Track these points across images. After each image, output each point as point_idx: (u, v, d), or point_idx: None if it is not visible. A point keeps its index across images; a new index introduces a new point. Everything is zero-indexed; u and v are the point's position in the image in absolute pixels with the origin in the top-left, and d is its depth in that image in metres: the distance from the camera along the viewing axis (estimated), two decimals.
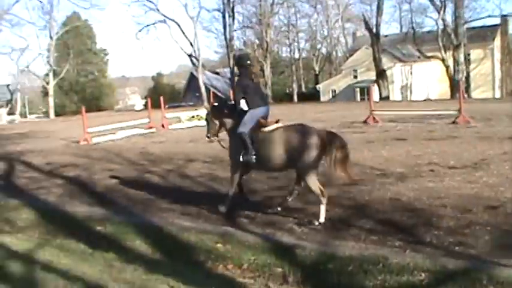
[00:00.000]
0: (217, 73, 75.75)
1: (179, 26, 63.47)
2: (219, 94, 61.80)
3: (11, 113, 76.20)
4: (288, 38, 75.55)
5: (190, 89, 75.56)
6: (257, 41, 70.29)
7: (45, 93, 71.76)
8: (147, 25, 63.22)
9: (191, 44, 62.07)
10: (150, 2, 61.92)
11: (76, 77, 79.09)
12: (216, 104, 10.30)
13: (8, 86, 76.47)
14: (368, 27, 50.48)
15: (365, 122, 21.58)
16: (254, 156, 8.71)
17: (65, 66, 69.99)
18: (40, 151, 20.00)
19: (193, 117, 27.56)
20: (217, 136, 9.59)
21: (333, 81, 67.41)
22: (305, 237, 7.85)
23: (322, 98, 64.25)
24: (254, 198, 9.88)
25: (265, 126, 8.79)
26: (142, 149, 18.44)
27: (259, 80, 9.58)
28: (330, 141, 8.37)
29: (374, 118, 21.52)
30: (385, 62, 53.09)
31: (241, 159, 8.86)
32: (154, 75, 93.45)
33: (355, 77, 63.22)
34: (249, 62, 9.30)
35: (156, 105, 30.45)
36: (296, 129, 8.61)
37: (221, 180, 11.46)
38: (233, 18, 60.52)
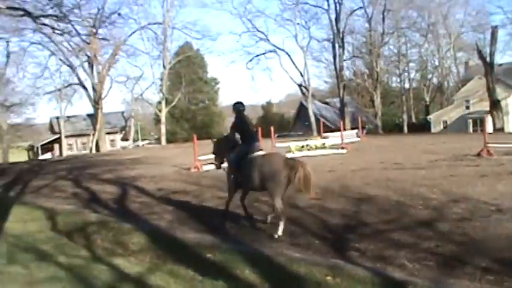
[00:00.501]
0: (326, 103, 75.60)
1: (289, 56, 64.27)
2: (328, 124, 61.66)
3: (124, 139, 79.23)
4: (398, 68, 74.56)
5: (299, 118, 75.86)
6: (367, 71, 69.84)
7: (157, 120, 74.04)
8: (258, 55, 64.43)
9: (301, 73, 62.64)
10: (261, 32, 63.23)
11: (187, 105, 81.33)
12: (216, 139, 12.87)
13: (122, 113, 79.62)
14: (481, 56, 48.93)
15: (478, 154, 20.79)
16: (235, 180, 11.27)
17: (177, 95, 72.11)
18: (152, 177, 20.53)
19: (302, 147, 27.48)
20: (222, 164, 12.32)
21: (444, 112, 65.80)
22: (417, 273, 7.64)
23: (433, 129, 62.83)
24: (364, 232, 9.71)
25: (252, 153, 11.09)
26: None
27: (251, 121, 12.21)
28: (296, 168, 10.12)
29: (488, 151, 20.71)
30: (500, 92, 51.23)
31: (231, 179, 11.50)
32: (264, 104, 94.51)
33: (468, 107, 61.45)
34: (242, 108, 11.73)
35: (265, 134, 30.68)
36: (269, 157, 10.92)
37: (331, 211, 11.38)
38: (343, 49, 60.58)
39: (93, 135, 64.18)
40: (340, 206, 11.45)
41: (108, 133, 69.50)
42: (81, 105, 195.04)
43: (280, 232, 10.10)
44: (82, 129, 74.80)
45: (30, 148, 79.33)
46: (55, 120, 75.74)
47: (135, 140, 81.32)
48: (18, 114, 70.01)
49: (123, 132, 79.55)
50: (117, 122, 76.88)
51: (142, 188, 17.54)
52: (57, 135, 74.38)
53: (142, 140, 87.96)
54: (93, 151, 61.36)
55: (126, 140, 78.57)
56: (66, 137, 73.36)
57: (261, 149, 11.28)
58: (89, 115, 72.91)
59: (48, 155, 71.97)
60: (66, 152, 70.42)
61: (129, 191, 17.26)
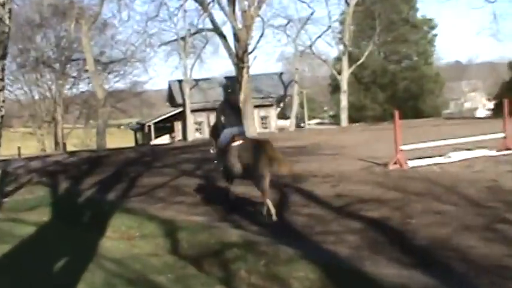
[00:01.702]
0: None
1: None
2: None
3: (283, 115, 79.80)
4: None
5: None
6: None
7: (334, 88, 74.22)
8: None
9: None
10: None
11: (382, 64, 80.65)
12: (212, 124, 18.37)
13: (280, 75, 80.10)
14: None
15: None
16: (222, 168, 16.59)
17: (367, 47, 71.55)
18: (327, 176, 20.67)
19: None
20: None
21: None
22: None
23: None
24: None
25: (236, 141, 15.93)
26: (492, 181, 18.10)
27: (238, 105, 18.46)
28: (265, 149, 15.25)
29: None
30: None
31: (216, 163, 17.34)
32: None
33: None
34: (229, 90, 18.32)
35: None
36: (245, 144, 15.76)
37: None
38: None
39: None
40: None
41: (258, 106, 69.93)
42: (216, 64, 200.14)
43: (272, 212, 14.91)
44: (217, 100, 75.39)
45: (138, 128, 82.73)
46: (176, 85, 78.28)
47: (299, 118, 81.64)
48: (121, 77, 72.37)
49: (281, 105, 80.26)
50: (271, 90, 77.45)
51: (310, 193, 17.62)
52: (180, 109, 76.63)
53: (310, 118, 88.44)
54: None
55: (286, 117, 79.23)
56: (193, 111, 75.37)
57: (242, 134, 16.26)
58: (228, 78, 74.22)
59: (165, 139, 74.22)
60: (192, 135, 72.17)
61: (291, 196, 17.49)
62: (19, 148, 49.16)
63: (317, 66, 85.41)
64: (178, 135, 76.54)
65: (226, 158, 15.80)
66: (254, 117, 66.13)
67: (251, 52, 62.24)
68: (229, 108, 16.52)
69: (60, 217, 17.33)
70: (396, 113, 22.66)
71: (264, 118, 75.78)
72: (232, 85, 18.61)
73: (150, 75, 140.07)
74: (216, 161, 17.01)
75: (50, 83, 68.61)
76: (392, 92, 79.17)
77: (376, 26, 72.78)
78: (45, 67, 67.10)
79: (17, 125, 74.02)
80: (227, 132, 15.99)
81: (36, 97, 70.77)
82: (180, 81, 76.20)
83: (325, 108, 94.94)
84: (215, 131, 16.94)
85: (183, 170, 25.14)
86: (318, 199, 16.84)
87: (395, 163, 21.86)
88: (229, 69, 68.35)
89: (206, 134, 73.74)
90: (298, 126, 77.30)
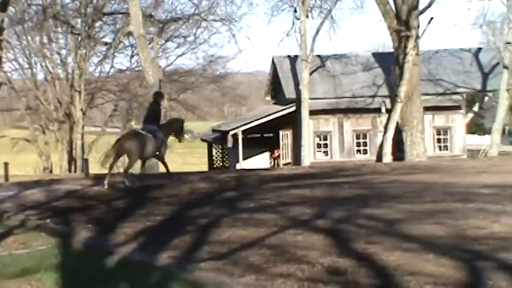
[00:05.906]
0: None
1: None
2: None
3: (477, 129, 69.61)
4: None
5: None
6: None
7: None
8: None
9: None
10: None
11: None
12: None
13: (476, 53, 56.61)
14: None
15: None
16: None
17: None
18: None
19: None
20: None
21: None
22: None
23: None
24: None
25: None
26: None
27: (155, 108, 26.02)
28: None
29: None
30: None
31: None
32: None
33: None
34: (156, 96, 26.84)
35: None
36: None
37: None
38: None
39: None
40: None
41: (433, 109, 50.63)
42: (358, 29, 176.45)
43: (127, 183, 24.11)
44: (356, 96, 53.03)
45: (216, 139, 60.70)
46: (285, 65, 54.99)
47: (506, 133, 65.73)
48: (188, 47, 57.63)
49: (475, 109, 56.94)
50: (457, 80, 53.40)
51: None
52: (290, 108, 53.14)
53: None
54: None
55: (483, 131, 65.15)
56: (315, 112, 51.47)
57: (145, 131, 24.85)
58: (378, 56, 55.78)
59: (261, 160, 57.25)
60: (310, 155, 50.43)
61: None
62: (6, 165, 36.71)
63: None
64: (285, 154, 53.93)
65: None
66: (425, 130, 48.95)
67: (425, 10, 46.64)
68: (147, 111, 26.51)
69: None
70: None
71: (442, 131, 53.01)
72: (155, 97, 26.21)
73: (240, 47, 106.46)
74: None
75: (65, 52, 52.37)
76: None
77: None
78: (58, 24, 50.00)
79: (3, 125, 58.05)
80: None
81: (41, 77, 53.59)
82: (292, 58, 54.26)
83: None
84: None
85: (292, 218, 17.09)
86: None
87: None
88: (382, 40, 54.13)
89: (335, 155, 53.90)
90: None
